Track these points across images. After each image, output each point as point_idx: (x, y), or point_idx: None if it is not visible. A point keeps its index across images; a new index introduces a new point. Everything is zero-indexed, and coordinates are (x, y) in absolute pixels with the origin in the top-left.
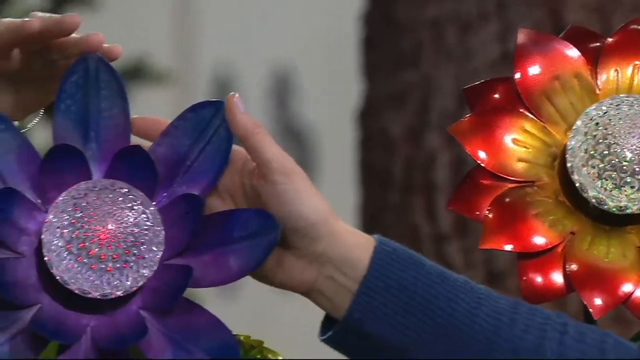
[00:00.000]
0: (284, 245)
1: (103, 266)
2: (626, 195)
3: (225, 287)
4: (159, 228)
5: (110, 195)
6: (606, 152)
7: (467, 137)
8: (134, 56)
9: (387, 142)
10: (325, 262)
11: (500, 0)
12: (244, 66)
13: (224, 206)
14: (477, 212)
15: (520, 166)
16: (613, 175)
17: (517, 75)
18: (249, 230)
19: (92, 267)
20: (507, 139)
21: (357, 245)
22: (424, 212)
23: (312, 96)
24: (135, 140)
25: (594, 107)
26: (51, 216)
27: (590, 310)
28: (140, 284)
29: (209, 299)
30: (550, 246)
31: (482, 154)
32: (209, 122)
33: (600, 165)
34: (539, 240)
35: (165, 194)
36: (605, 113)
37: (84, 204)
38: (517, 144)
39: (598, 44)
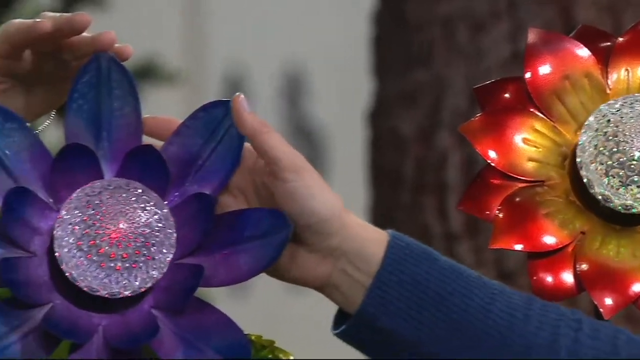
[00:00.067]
0: (298, 241)
1: (112, 265)
2: (632, 194)
3: (236, 287)
4: (170, 230)
5: (124, 195)
6: (615, 149)
7: (477, 136)
8: (145, 56)
9: (397, 141)
10: (339, 257)
11: None
12: (254, 66)
13: (236, 204)
14: (488, 212)
15: (530, 166)
16: (620, 173)
17: (528, 75)
18: (260, 230)
19: (102, 265)
20: (518, 139)
21: (371, 240)
22: (435, 211)
23: (323, 96)
24: (146, 139)
25: (607, 104)
26: (64, 212)
27: (601, 310)
28: (149, 285)
29: (220, 298)
30: (561, 246)
31: (492, 154)
32: (220, 122)
33: (608, 162)
34: (549, 240)
35: (177, 193)
36: (618, 111)
37: (97, 202)
38: (528, 143)
39: (609, 43)
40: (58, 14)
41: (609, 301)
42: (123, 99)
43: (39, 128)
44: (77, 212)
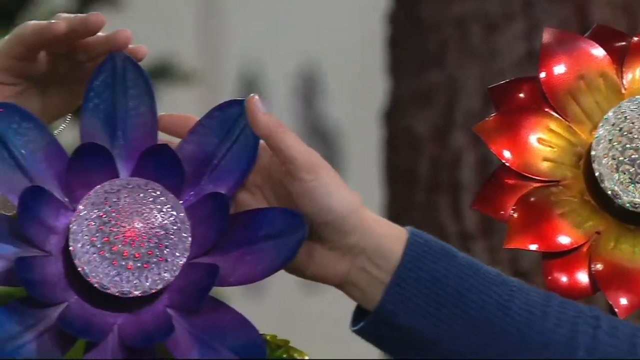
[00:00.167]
0: (316, 239)
1: (124, 263)
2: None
3: (251, 286)
4: (185, 234)
5: (142, 195)
6: (628, 145)
7: (492, 136)
8: (161, 56)
9: (412, 141)
10: (358, 254)
11: None
12: (270, 65)
13: (254, 201)
14: (502, 212)
15: (545, 165)
16: (631, 170)
17: (542, 75)
18: (275, 230)
19: (113, 262)
20: (532, 139)
21: (390, 237)
22: (450, 211)
23: (338, 95)
24: (163, 138)
25: (628, 101)
26: (81, 207)
27: (616, 310)
28: (160, 286)
29: (235, 297)
30: (576, 246)
31: (507, 154)
32: (235, 121)
33: (619, 158)
34: (564, 239)
35: (192, 193)
36: (637, 107)
37: (114, 200)
38: (542, 143)
39: (624, 43)
40: (72, 15)
41: (624, 301)
42: (139, 98)
43: (55, 132)
44: (94, 208)
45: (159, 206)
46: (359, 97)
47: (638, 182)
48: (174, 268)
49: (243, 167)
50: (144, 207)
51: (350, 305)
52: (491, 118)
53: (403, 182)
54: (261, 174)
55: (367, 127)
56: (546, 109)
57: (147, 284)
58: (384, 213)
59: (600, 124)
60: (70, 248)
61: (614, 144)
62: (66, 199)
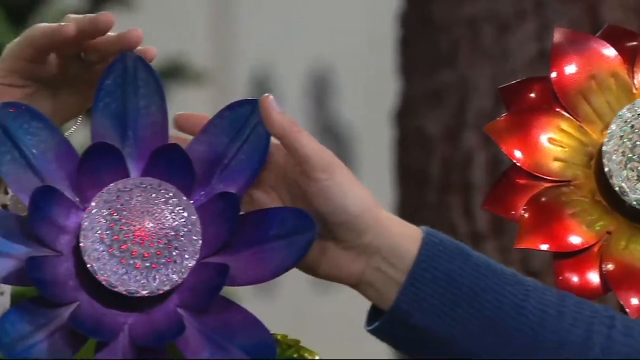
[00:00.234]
0: (331, 238)
1: (132, 262)
2: None
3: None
4: (196, 237)
5: (154, 195)
6: (638, 142)
7: (503, 136)
8: (172, 56)
9: (424, 141)
10: (373, 254)
11: None
12: (281, 66)
13: (269, 200)
14: (513, 212)
15: (556, 165)
16: (639, 168)
17: (554, 75)
18: (286, 229)
19: (122, 261)
20: (543, 138)
21: (405, 236)
22: (461, 211)
23: (350, 96)
24: (173, 138)
25: None
26: (93, 204)
27: (627, 310)
28: (167, 288)
29: (246, 297)
30: (587, 246)
31: (518, 153)
32: (246, 120)
33: (629, 155)
34: (575, 239)
35: (202, 192)
36: None
37: (127, 198)
38: (553, 143)
39: (635, 43)
40: (81, 16)
41: (635, 301)
42: (149, 98)
43: (66, 134)
44: (106, 205)
45: (170, 207)
46: (371, 97)
47: None
48: (183, 270)
49: (254, 167)
50: (155, 208)
51: (361, 305)
52: (502, 118)
53: (414, 182)
54: (276, 173)
55: (378, 128)
56: (557, 109)
57: (155, 284)
58: (396, 213)
59: (614, 120)
60: (81, 244)
61: (625, 140)
62: (77, 199)
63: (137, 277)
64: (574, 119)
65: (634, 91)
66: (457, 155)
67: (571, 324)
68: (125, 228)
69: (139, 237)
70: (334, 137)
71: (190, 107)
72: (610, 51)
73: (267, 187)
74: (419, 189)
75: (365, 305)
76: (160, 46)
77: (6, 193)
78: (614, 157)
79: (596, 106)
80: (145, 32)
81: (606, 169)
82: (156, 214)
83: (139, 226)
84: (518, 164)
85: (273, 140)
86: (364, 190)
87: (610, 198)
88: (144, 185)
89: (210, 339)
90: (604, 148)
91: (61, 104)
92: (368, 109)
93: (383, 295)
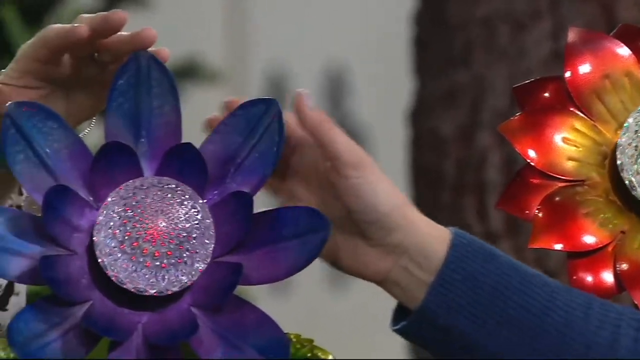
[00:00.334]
0: (360, 235)
1: (142, 260)
2: None
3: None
4: (208, 241)
5: (170, 195)
6: None
7: (517, 136)
8: (187, 55)
9: (438, 141)
10: (401, 253)
11: None
12: (296, 65)
13: (299, 193)
14: (527, 211)
15: (570, 165)
16: None
17: (568, 74)
18: (299, 228)
19: (132, 258)
20: (557, 138)
21: (433, 236)
22: (475, 211)
23: (364, 95)
24: (186, 138)
25: None
26: (110, 199)
27: None
28: (176, 289)
29: (261, 296)
30: (601, 245)
31: (532, 153)
32: (259, 120)
33: None
34: (589, 239)
35: (216, 192)
36: None
37: (142, 196)
38: (567, 142)
39: None
40: (94, 15)
41: None
42: (163, 98)
43: (80, 135)
44: (122, 201)
45: (185, 209)
46: (385, 97)
47: None
48: (193, 273)
49: (267, 166)
50: (170, 208)
51: (374, 304)
52: (516, 118)
53: (428, 183)
54: (308, 168)
55: (393, 128)
56: (571, 109)
57: (163, 284)
58: None
59: (632, 114)
60: (94, 238)
61: (639, 134)
62: (90, 198)
63: (147, 276)
64: (588, 119)
65: None
66: (472, 155)
67: (597, 326)
68: (138, 225)
69: (150, 235)
70: (349, 136)
71: (205, 106)
72: (624, 50)
73: (299, 180)
74: (433, 189)
75: (378, 304)
76: (175, 46)
77: (20, 194)
78: (626, 151)
79: (610, 105)
80: (160, 31)
81: (618, 162)
82: (170, 214)
83: (152, 225)
84: (532, 164)
85: (306, 135)
86: (394, 188)
87: (624, 197)
88: (162, 185)
89: (224, 338)
90: (618, 141)
91: (75, 106)
92: (382, 109)
93: (410, 295)
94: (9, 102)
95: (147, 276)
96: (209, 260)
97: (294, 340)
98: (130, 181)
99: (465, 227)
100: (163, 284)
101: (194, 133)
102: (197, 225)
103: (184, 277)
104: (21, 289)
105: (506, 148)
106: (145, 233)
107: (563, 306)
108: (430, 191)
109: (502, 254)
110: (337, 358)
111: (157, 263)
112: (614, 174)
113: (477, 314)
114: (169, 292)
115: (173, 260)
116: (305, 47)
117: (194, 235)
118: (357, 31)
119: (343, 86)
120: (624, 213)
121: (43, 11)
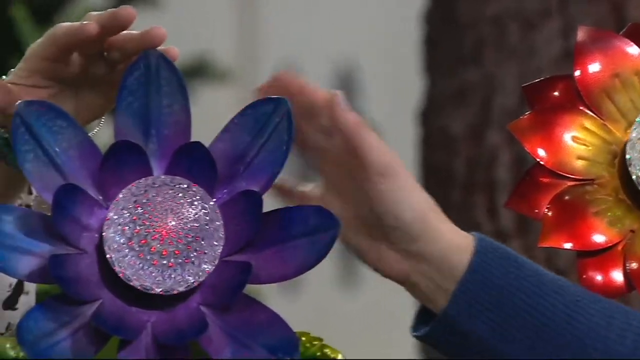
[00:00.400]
0: (384, 238)
1: (149, 258)
2: None
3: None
4: (217, 243)
5: (181, 194)
6: None
7: (526, 134)
8: (197, 54)
9: (448, 140)
10: (421, 260)
11: None
12: (306, 65)
13: (326, 191)
14: (537, 210)
15: (579, 164)
16: None
17: (577, 73)
18: (309, 228)
19: (140, 255)
20: (567, 137)
21: (456, 245)
22: (485, 210)
23: (374, 94)
24: (195, 137)
25: None
26: (121, 195)
27: None
28: (182, 289)
29: (271, 295)
30: (610, 244)
31: (541, 152)
32: (268, 119)
33: None
34: (599, 238)
35: (225, 191)
36: None
37: (153, 194)
38: (577, 141)
39: None
40: (102, 12)
41: None
42: (172, 96)
43: (89, 134)
44: (133, 198)
45: (195, 209)
46: (395, 96)
47: None
48: (200, 273)
49: (276, 165)
50: (180, 207)
51: (384, 304)
52: (525, 116)
53: (439, 181)
54: (338, 167)
55: (403, 126)
56: (581, 107)
57: (170, 283)
58: None
59: None
60: (103, 234)
61: None
62: (100, 197)
63: (153, 274)
64: (598, 118)
65: None
66: (482, 153)
67: (619, 335)
68: (147, 223)
69: (159, 233)
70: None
71: (215, 105)
72: (634, 49)
73: (329, 179)
74: (443, 187)
75: (387, 304)
76: (185, 44)
77: (30, 193)
78: (636, 146)
79: (620, 104)
80: (169, 30)
81: (627, 156)
82: (180, 214)
83: (161, 223)
84: (542, 163)
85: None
86: (420, 196)
87: (634, 196)
88: (173, 184)
89: (233, 337)
90: (630, 135)
91: (84, 105)
92: (393, 108)
93: (430, 298)
94: (19, 101)
95: (153, 274)
96: (216, 262)
97: (303, 339)
98: (142, 179)
99: (475, 226)
100: (169, 282)
101: (203, 132)
102: (207, 227)
103: (190, 277)
104: (31, 287)
105: (516, 147)
106: (154, 231)
107: (586, 314)
108: (440, 190)
109: (525, 259)
110: (346, 357)
111: (164, 262)
112: (624, 172)
113: (501, 321)
114: (175, 292)
115: (180, 260)
116: (315, 46)
117: (202, 236)
118: (367, 30)
119: (353, 85)
120: (634, 212)
121: (53, 10)
